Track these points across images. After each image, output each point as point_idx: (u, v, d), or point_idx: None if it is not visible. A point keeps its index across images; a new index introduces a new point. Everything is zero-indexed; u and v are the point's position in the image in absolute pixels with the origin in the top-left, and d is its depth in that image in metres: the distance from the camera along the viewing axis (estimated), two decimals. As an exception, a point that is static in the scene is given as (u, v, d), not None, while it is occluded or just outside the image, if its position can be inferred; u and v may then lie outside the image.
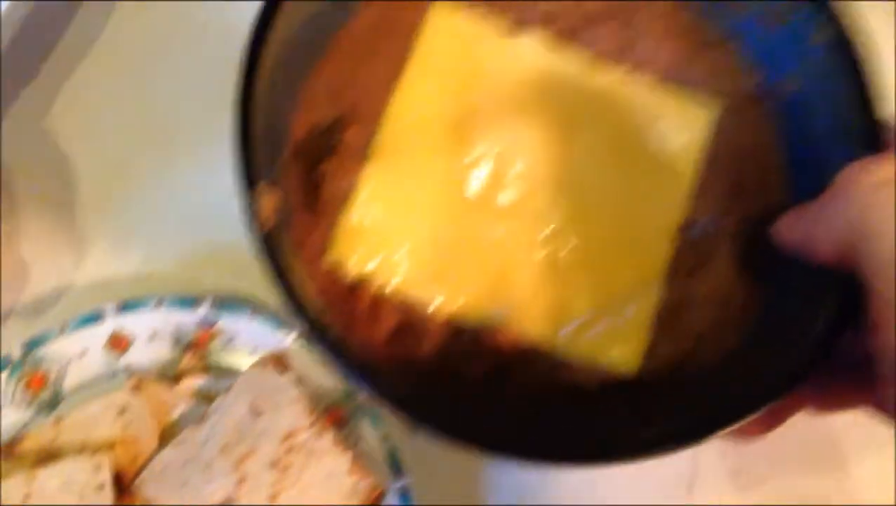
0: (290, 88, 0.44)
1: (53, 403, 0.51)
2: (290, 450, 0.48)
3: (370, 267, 0.44)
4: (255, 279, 0.55)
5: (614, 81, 0.47)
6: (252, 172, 0.38)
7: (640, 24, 0.48)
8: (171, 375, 0.53)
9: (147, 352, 0.53)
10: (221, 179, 0.57)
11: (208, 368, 0.53)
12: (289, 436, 0.49)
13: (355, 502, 0.48)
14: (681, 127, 0.47)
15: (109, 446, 0.49)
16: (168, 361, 0.53)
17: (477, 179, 0.45)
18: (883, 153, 0.38)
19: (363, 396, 0.51)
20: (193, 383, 0.52)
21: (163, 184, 0.58)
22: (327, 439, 0.49)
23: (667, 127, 0.47)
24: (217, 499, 0.47)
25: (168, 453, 0.48)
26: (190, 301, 0.53)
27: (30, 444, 0.49)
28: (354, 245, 0.44)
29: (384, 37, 0.46)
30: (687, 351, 0.44)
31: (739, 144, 0.46)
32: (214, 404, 0.50)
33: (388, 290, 0.44)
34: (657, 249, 0.45)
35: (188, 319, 0.53)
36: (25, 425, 0.51)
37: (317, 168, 0.45)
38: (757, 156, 0.46)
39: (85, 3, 0.61)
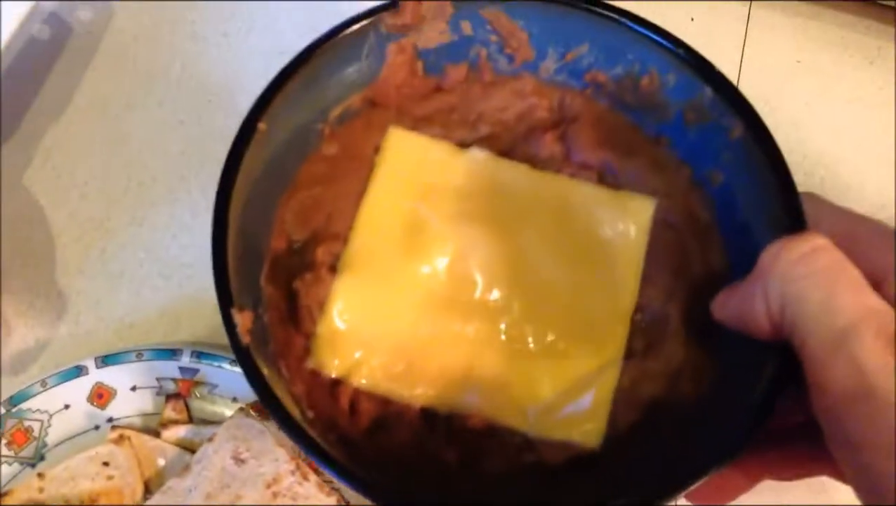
0: (263, 214, 0.48)
1: (38, 457, 0.52)
2: (275, 496, 0.49)
3: (347, 367, 0.48)
4: None
5: (557, 185, 0.51)
6: (228, 294, 0.42)
7: (575, 133, 0.52)
8: (154, 426, 0.53)
9: (129, 404, 0.54)
10: (198, 230, 0.59)
11: (191, 417, 0.54)
12: (273, 482, 0.50)
13: (344, 544, 0.49)
14: (623, 221, 0.50)
15: (94, 498, 0.50)
16: (151, 411, 0.54)
17: (437, 281, 0.49)
18: (801, 233, 0.41)
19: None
20: (177, 432, 0.53)
21: (140, 237, 0.60)
22: (311, 483, 0.50)
23: (610, 222, 0.50)
24: (204, 547, 0.48)
25: (153, 503, 0.49)
26: (170, 352, 0.54)
27: (15, 498, 0.50)
28: (332, 349, 0.47)
29: (347, 161, 0.51)
30: (643, 424, 0.47)
31: (678, 232, 0.50)
32: (198, 453, 0.51)
33: (364, 386, 0.48)
34: (612, 334, 0.49)
35: (169, 370, 0.54)
36: (10, 480, 0.51)
37: (293, 284, 0.49)
38: (696, 242, 0.49)
39: (62, 59, 0.63)
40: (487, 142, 0.52)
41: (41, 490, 0.50)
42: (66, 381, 0.53)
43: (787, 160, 0.46)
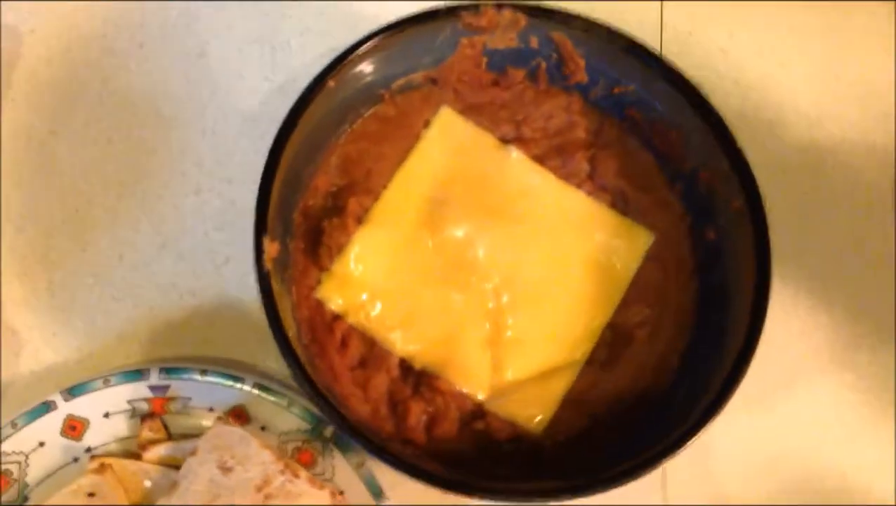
0: (313, 155, 0.54)
1: (21, 498, 0.51)
2: (267, 498, 0.48)
3: (348, 306, 0.53)
4: (197, 339, 0.57)
5: (575, 199, 0.56)
6: (264, 223, 0.49)
7: (603, 158, 0.57)
8: (133, 449, 0.52)
9: (105, 431, 0.53)
10: (144, 246, 0.58)
11: (169, 434, 0.53)
12: (263, 485, 0.49)
13: (342, 534, 0.49)
14: (622, 247, 0.56)
15: (84, 531, 0.49)
16: (127, 435, 0.53)
17: (445, 254, 0.54)
18: None
19: (328, 431, 0.52)
20: (157, 451, 0.52)
21: (86, 263, 0.58)
22: (302, 480, 0.49)
23: (610, 245, 0.56)
24: (205, 561, 0.47)
25: (147, 527, 0.48)
26: (137, 373, 0.53)
27: (3, 543, 0.48)
28: (340, 287, 0.53)
29: (397, 128, 0.56)
30: (582, 427, 0.53)
31: (665, 270, 0.56)
32: (183, 469, 0.49)
33: (358, 326, 0.53)
34: (581, 342, 0.54)
35: (139, 391, 0.53)
36: (-4, 527, 0.50)
37: (321, 223, 0.54)
38: (676, 284, 0.55)
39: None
40: (525, 144, 0.57)
41: (29, 531, 0.49)
42: (36, 418, 0.51)
43: (723, 87, 0.49)
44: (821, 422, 0.59)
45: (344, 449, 0.53)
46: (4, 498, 0.50)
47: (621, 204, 0.57)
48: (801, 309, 0.61)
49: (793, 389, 0.59)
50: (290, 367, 0.46)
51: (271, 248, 0.49)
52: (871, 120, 0.66)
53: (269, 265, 0.48)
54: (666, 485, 0.57)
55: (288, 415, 0.53)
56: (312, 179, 0.54)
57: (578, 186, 0.56)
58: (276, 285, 0.48)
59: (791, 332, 0.60)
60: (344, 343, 0.52)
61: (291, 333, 0.48)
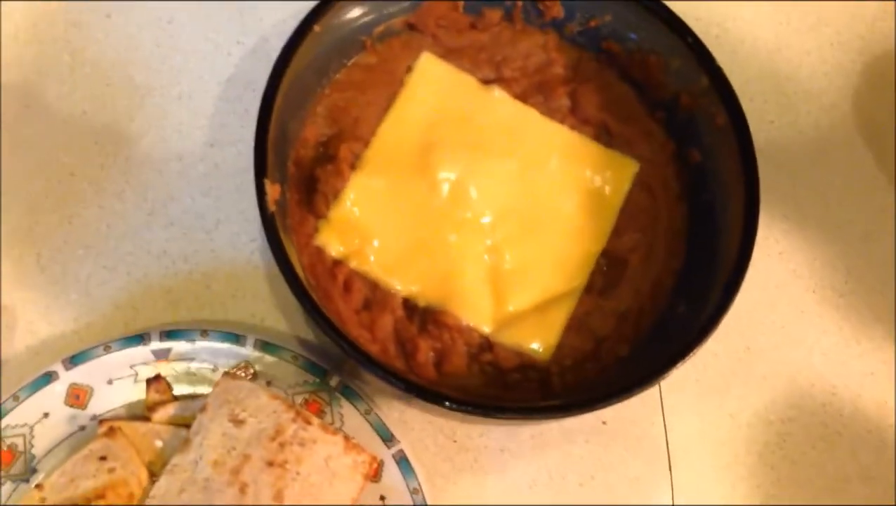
0: (301, 105, 0.54)
1: (29, 471, 0.50)
2: (282, 446, 0.49)
3: (348, 251, 0.54)
4: (194, 303, 0.57)
5: (559, 133, 0.58)
6: (264, 167, 0.49)
7: (583, 93, 0.58)
8: (141, 413, 0.52)
9: (110, 397, 0.52)
10: (130, 215, 0.58)
11: (176, 396, 0.53)
12: (277, 434, 0.49)
13: (359, 478, 0.50)
14: (609, 177, 0.57)
15: (100, 494, 0.48)
16: (134, 400, 0.53)
17: (439, 195, 0.55)
18: None
19: (334, 381, 0.53)
20: (166, 412, 0.52)
21: (73, 235, 0.57)
22: (314, 427, 0.50)
23: (598, 175, 0.57)
24: (225, 513, 0.48)
25: (162, 483, 0.48)
26: (138, 338, 0.53)
27: (17, 514, 0.48)
28: (339, 233, 0.54)
29: (381, 74, 0.57)
30: (588, 350, 0.54)
31: (653, 196, 0.57)
32: (194, 426, 0.50)
33: (359, 270, 0.54)
34: (578, 270, 0.56)
35: (141, 356, 0.53)
36: (7, 499, 0.49)
37: (314, 172, 0.54)
38: (665, 208, 0.57)
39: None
40: (506, 84, 0.58)
41: (43, 500, 0.48)
42: (38, 390, 0.51)
43: (686, 23, 0.55)
44: (806, 338, 0.61)
45: (351, 397, 0.53)
46: (12, 472, 0.50)
47: (605, 136, 0.58)
48: (777, 231, 0.63)
49: (777, 307, 0.61)
50: (301, 302, 0.47)
51: (273, 190, 0.49)
52: (825, 46, 0.68)
53: (272, 207, 0.48)
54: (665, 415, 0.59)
55: (293, 369, 0.53)
56: (301, 130, 0.55)
57: (561, 120, 0.58)
58: (280, 228, 0.49)
59: (771, 253, 0.62)
60: (347, 287, 0.53)
61: (300, 274, 0.48)
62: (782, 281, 0.62)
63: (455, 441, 0.56)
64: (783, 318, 0.61)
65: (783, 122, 0.66)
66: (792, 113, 0.66)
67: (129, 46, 0.62)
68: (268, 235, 0.48)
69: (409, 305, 0.54)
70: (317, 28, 0.52)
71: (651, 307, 0.55)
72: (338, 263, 0.54)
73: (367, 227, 0.54)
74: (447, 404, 0.46)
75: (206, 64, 0.62)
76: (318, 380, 0.53)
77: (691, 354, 0.49)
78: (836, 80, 0.67)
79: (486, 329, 0.54)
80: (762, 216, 0.60)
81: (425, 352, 0.52)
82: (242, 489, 0.48)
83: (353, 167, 0.55)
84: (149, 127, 0.60)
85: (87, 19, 0.62)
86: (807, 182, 0.64)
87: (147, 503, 0.48)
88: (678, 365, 0.48)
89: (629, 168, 0.57)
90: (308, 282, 0.50)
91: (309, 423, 0.50)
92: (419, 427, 0.56)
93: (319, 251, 0.54)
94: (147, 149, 0.60)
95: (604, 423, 0.57)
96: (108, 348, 0.52)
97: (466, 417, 0.48)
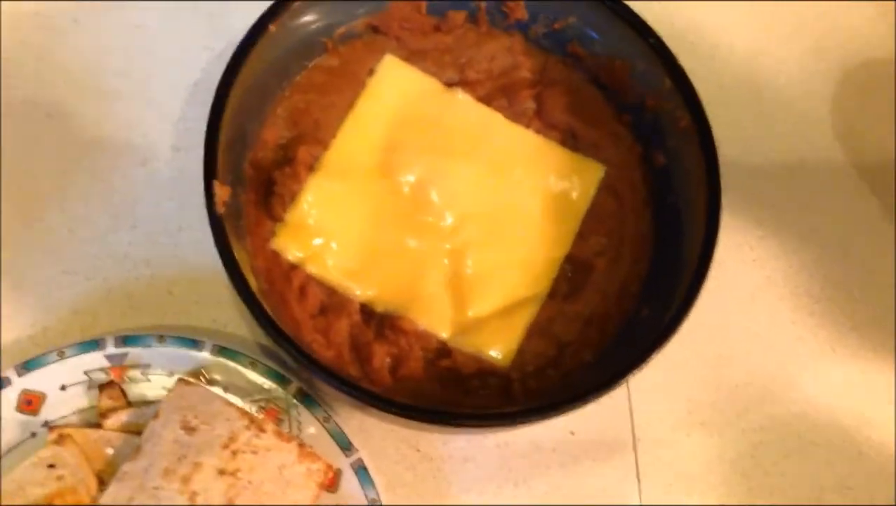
0: (259, 106, 0.54)
1: (-21, 478, 0.49)
2: (234, 454, 0.48)
3: (305, 255, 0.53)
4: (155, 308, 0.57)
5: (524, 137, 0.57)
6: (213, 168, 0.48)
7: (549, 96, 0.57)
8: (93, 419, 0.51)
9: (62, 404, 0.51)
10: (95, 218, 0.57)
11: (129, 402, 0.52)
12: (230, 441, 0.48)
13: (313, 486, 0.48)
14: (574, 181, 0.56)
15: (50, 501, 0.47)
16: (86, 406, 0.52)
17: (399, 198, 0.54)
18: None
19: (291, 388, 0.52)
20: (119, 418, 0.51)
21: (33, 240, 0.57)
22: (269, 434, 0.49)
23: (563, 180, 0.56)
24: (174, 522, 0.47)
25: (111, 491, 0.47)
26: (93, 344, 0.52)
27: (-35, 523, 0.47)
28: (295, 236, 0.53)
29: (342, 77, 0.56)
30: (551, 356, 0.53)
31: (619, 200, 0.56)
32: (146, 432, 0.48)
33: (316, 274, 0.53)
34: (541, 275, 0.54)
35: (96, 361, 0.52)
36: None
37: (273, 172, 0.53)
38: (632, 212, 0.56)
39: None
40: (471, 87, 0.57)
41: (-9, 509, 0.48)
42: (-11, 396, 0.50)
43: (659, 31, 0.54)
44: (781, 346, 0.59)
45: (309, 405, 0.52)
46: (-39, 478, 0.49)
47: (571, 140, 0.57)
48: (751, 238, 0.62)
49: (751, 314, 0.60)
50: (249, 308, 0.46)
51: (222, 192, 0.48)
52: (803, 53, 0.67)
53: (221, 209, 0.47)
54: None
55: (250, 375, 0.53)
56: (260, 132, 0.54)
57: (527, 124, 0.57)
58: (230, 231, 0.48)
59: (744, 260, 0.61)
60: (303, 292, 0.52)
61: (250, 279, 0.47)
62: (756, 288, 0.61)
63: (418, 450, 0.55)
64: (757, 325, 0.60)
65: (760, 128, 0.65)
66: (769, 119, 0.65)
67: (97, 50, 0.62)
68: (215, 238, 0.47)
69: (366, 310, 0.53)
70: (272, 28, 0.51)
71: (617, 312, 0.53)
72: (294, 267, 0.53)
73: (325, 230, 0.53)
74: (395, 410, 0.45)
75: (174, 69, 0.62)
76: (276, 386, 0.52)
77: (652, 356, 0.47)
78: (814, 87, 0.67)
79: (445, 334, 0.53)
80: (736, 223, 0.60)
81: (381, 357, 0.51)
82: (192, 498, 0.47)
83: (311, 170, 0.54)
84: (116, 131, 0.60)
85: (54, 24, 0.62)
86: (783, 189, 0.63)
87: (95, 511, 0.47)
88: (640, 367, 0.47)
89: (595, 172, 0.56)
90: (260, 287, 0.49)
91: (263, 430, 0.49)
92: (380, 436, 0.55)
93: (276, 255, 0.53)
94: (113, 153, 0.59)
95: (572, 433, 0.56)
96: (62, 354, 0.52)
97: (423, 425, 0.47)
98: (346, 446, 0.51)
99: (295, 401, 0.52)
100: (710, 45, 0.67)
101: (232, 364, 0.53)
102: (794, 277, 0.61)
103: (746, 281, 0.61)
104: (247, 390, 0.52)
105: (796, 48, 0.68)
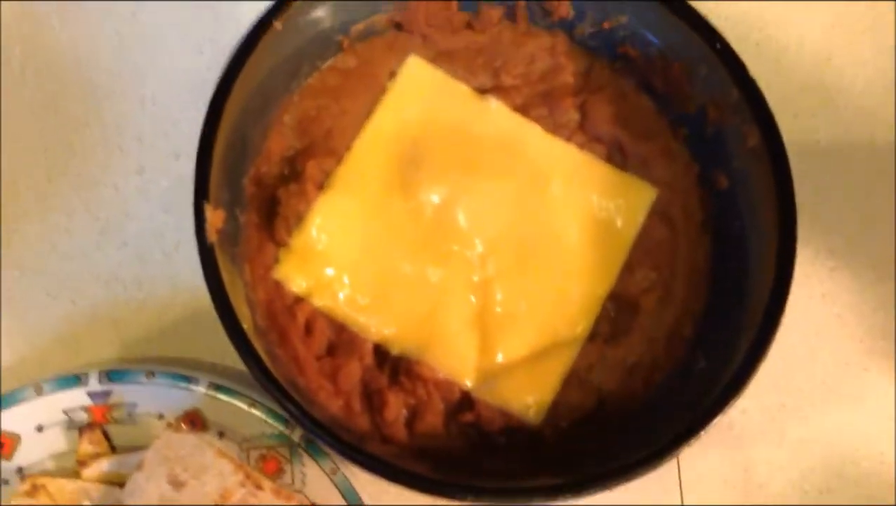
0: (263, 113, 0.48)
1: (-56, 531, 0.45)
2: (227, 515, 0.43)
3: (312, 286, 0.47)
4: (145, 337, 0.52)
5: (565, 153, 0.50)
6: (205, 187, 0.42)
7: (594, 105, 0.51)
8: (72, 466, 0.47)
9: (38, 447, 0.47)
10: (79, 233, 0.51)
11: (113, 447, 0.47)
12: (222, 499, 0.45)
13: (315, 547, 0.43)
14: (621, 205, 0.50)
15: (16, 562, 0.42)
16: (65, 449, 0.47)
17: (422, 221, 0.48)
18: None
19: (296, 434, 0.47)
20: (99, 467, 0.47)
21: (11, 258, 0.52)
22: (266, 492, 0.45)
23: (608, 203, 0.50)
24: (156, 592, 0.42)
25: (87, 555, 0.42)
26: (73, 379, 0.48)
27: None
28: (302, 264, 0.47)
29: (360, 80, 0.50)
30: (589, 410, 0.47)
31: (672, 228, 0.50)
32: (128, 487, 0.44)
33: (325, 309, 0.47)
34: (581, 314, 0.48)
35: (77, 399, 0.48)
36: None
37: (277, 190, 0.48)
38: (686, 241, 0.49)
39: None
40: (505, 94, 0.51)
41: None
42: (-42, 438, 0.46)
43: (715, 25, 0.47)
44: (852, 395, 0.53)
45: (315, 454, 0.47)
46: (-77, 531, 0.44)
47: (618, 156, 0.51)
48: (821, 269, 0.55)
49: (818, 358, 0.54)
50: (241, 356, 0.40)
51: (215, 216, 0.42)
52: (884, 54, 0.60)
53: (213, 237, 0.42)
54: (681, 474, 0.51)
55: (250, 417, 0.48)
56: (264, 141, 0.48)
57: (568, 137, 0.50)
58: (223, 261, 0.42)
59: (812, 295, 0.55)
60: (308, 329, 0.47)
61: (245, 317, 0.42)
62: (825, 327, 0.54)
63: (437, 506, 0.49)
64: (824, 371, 0.54)
65: (832, 141, 0.58)
66: (843, 131, 0.58)
67: (87, 42, 0.56)
68: (205, 271, 0.41)
69: (379, 351, 0.47)
70: (277, 25, 0.45)
71: (665, 360, 0.47)
72: (299, 300, 0.47)
73: (335, 258, 0.47)
74: (406, 480, 0.40)
75: (173, 64, 0.56)
76: (278, 432, 0.48)
77: (712, 422, 0.41)
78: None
79: (469, 383, 0.47)
80: (803, 251, 0.52)
81: (396, 408, 0.45)
82: (178, 564, 0.42)
83: (321, 187, 0.48)
84: (106, 135, 0.55)
85: (39, 9, 0.57)
86: (858, 213, 0.57)
87: (67, 577, 0.42)
88: (698, 435, 0.41)
89: (645, 194, 0.50)
90: (257, 323, 0.43)
91: (260, 487, 0.45)
92: (395, 490, 0.49)
93: (278, 286, 0.47)
94: (103, 160, 0.54)
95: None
96: (39, 390, 0.47)
97: (441, 499, 0.41)
98: (355, 503, 0.47)
99: (299, 449, 0.47)
100: (777, 46, 0.60)
101: (229, 404, 0.48)
102: (868, 315, 0.55)
103: (814, 319, 0.54)
104: (245, 436, 0.48)
105: (875, 48, 0.60)
